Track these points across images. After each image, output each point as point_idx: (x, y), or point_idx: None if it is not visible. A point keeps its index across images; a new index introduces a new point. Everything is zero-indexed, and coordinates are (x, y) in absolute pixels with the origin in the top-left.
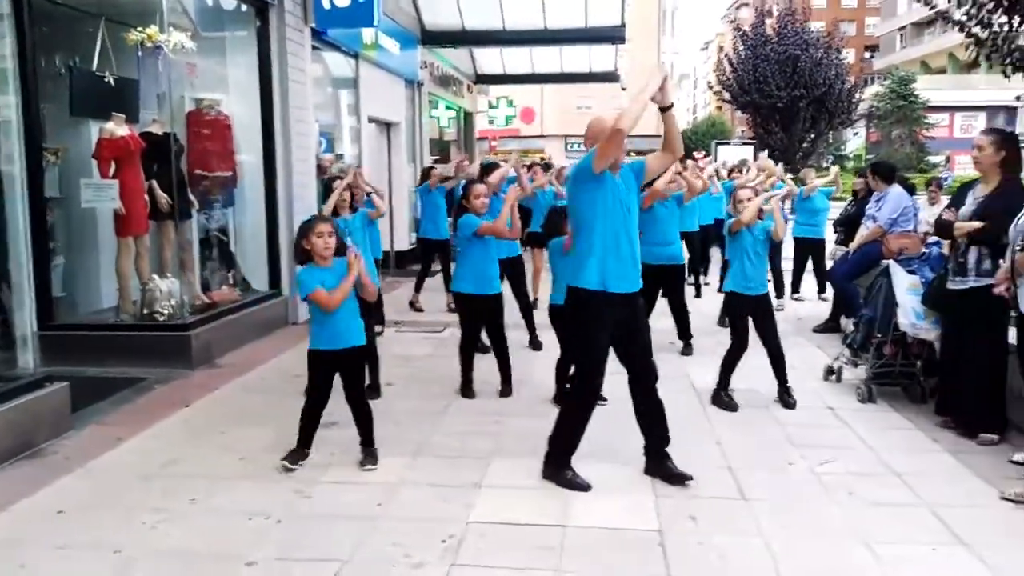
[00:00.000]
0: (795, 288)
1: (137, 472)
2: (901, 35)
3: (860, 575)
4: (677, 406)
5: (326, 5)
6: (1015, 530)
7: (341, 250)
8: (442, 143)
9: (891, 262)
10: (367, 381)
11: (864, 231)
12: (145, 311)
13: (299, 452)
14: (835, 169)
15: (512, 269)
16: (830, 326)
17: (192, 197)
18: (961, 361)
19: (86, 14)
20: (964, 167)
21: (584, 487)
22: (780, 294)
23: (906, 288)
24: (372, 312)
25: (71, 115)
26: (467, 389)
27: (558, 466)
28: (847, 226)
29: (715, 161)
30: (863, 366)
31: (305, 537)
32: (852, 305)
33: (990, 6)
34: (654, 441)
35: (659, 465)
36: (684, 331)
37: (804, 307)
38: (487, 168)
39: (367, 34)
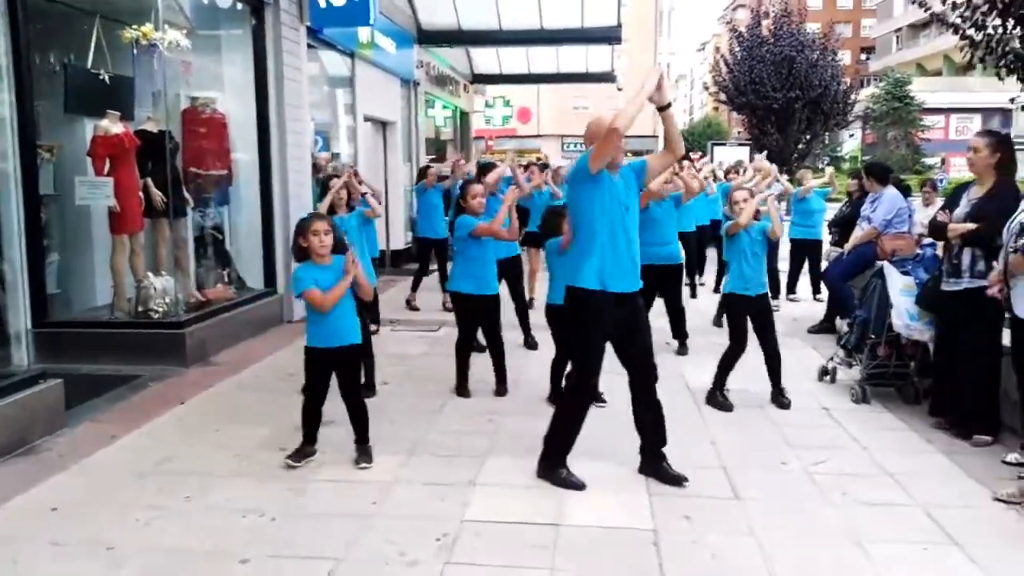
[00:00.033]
0: (791, 289)
1: (131, 469)
2: (897, 37)
3: (853, 575)
4: (672, 406)
5: (322, 4)
6: (1007, 530)
7: (341, 247)
8: (438, 142)
9: (885, 263)
10: (362, 379)
11: (859, 232)
12: (140, 309)
13: (303, 450)
14: (830, 170)
15: (510, 269)
16: (825, 327)
17: (187, 195)
18: (955, 362)
19: (81, 11)
20: (959, 169)
21: (579, 486)
22: (776, 295)
23: (900, 289)
24: (368, 311)
25: (66, 112)
26: (463, 388)
27: (553, 465)
28: (842, 227)
29: (711, 162)
30: (857, 367)
31: (299, 535)
32: (846, 306)
33: (984, 8)
34: (651, 441)
35: (655, 465)
36: (680, 331)
37: (799, 308)
38: (484, 168)
39: (363, 33)
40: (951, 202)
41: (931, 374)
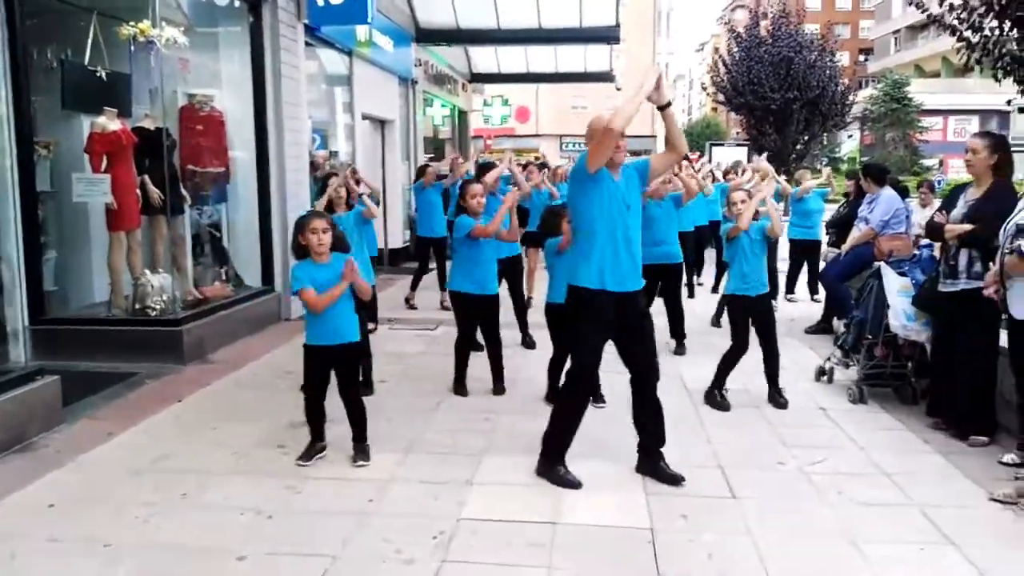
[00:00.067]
0: (789, 289)
1: (128, 467)
2: (895, 39)
3: (848, 574)
4: (669, 405)
5: (320, 1)
6: (1003, 531)
7: (341, 246)
8: (437, 141)
9: (882, 264)
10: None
11: (856, 233)
12: (137, 306)
13: (312, 447)
14: (827, 171)
15: (511, 269)
16: (822, 327)
17: (184, 192)
18: (952, 363)
19: (78, 8)
20: (957, 171)
21: (575, 484)
22: (774, 295)
23: (897, 290)
24: (366, 309)
25: (63, 109)
26: (460, 387)
27: (551, 462)
28: (839, 228)
29: (709, 162)
30: (854, 367)
31: (296, 532)
32: (843, 306)
33: (981, 10)
34: (649, 440)
35: (652, 464)
36: (678, 331)
37: (797, 308)
38: (483, 167)
39: (361, 31)
40: (948, 203)
41: (928, 375)
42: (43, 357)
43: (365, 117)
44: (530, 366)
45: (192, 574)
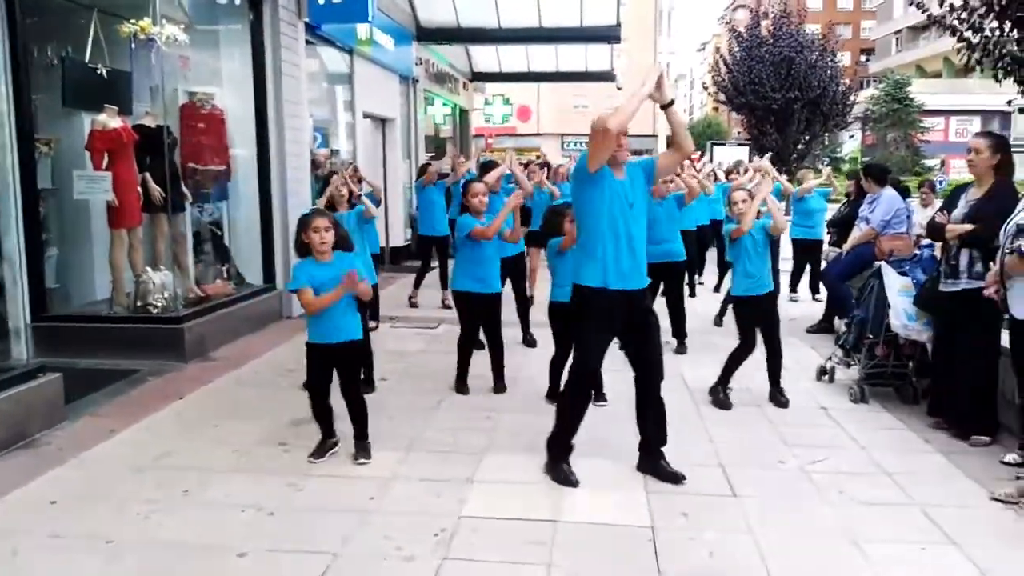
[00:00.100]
0: (793, 288)
1: (130, 464)
2: (897, 39)
3: (849, 573)
4: (670, 404)
5: (320, 0)
6: (1005, 530)
7: (345, 244)
8: (438, 140)
9: (882, 263)
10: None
11: (857, 233)
12: (138, 303)
13: (324, 444)
14: (827, 170)
15: (515, 267)
16: (823, 327)
17: (185, 190)
18: (953, 363)
19: (78, 5)
20: (959, 171)
21: (572, 484)
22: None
23: (897, 289)
24: (366, 307)
25: (63, 106)
26: (462, 385)
27: (556, 460)
28: (840, 227)
29: (711, 162)
30: (855, 367)
31: (297, 530)
32: (845, 306)
33: (982, 11)
34: (651, 439)
35: (653, 463)
36: (679, 330)
37: (798, 307)
38: (486, 166)
39: (362, 29)
40: (950, 203)
41: (929, 374)
42: (45, 354)
43: (366, 116)
44: (531, 364)
45: (193, 571)
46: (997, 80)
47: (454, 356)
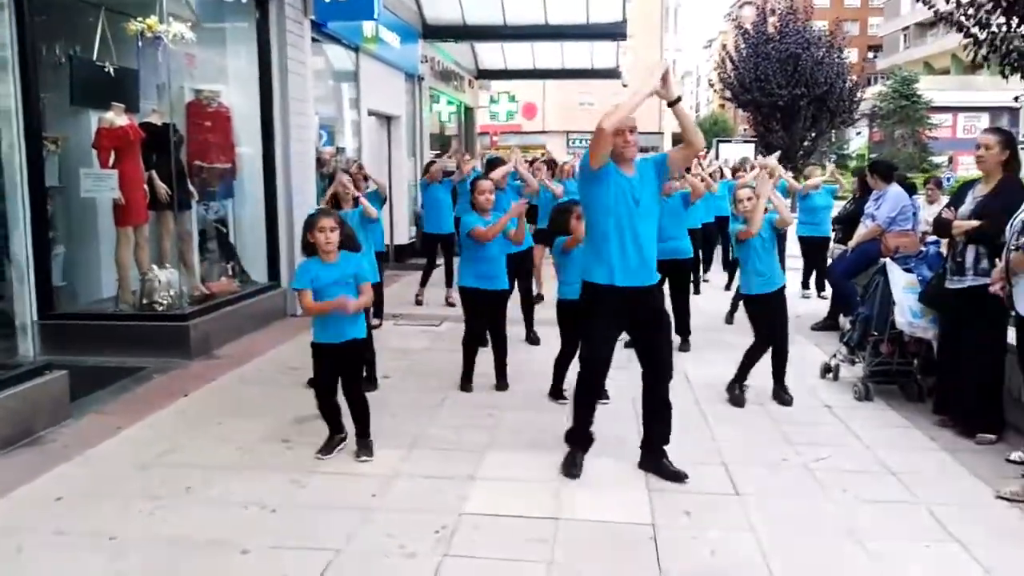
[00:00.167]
0: (804, 285)
1: (135, 461)
2: (904, 35)
3: (853, 572)
4: (673, 402)
5: None
6: (1009, 528)
7: (351, 244)
8: (443, 138)
9: (888, 260)
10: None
11: (863, 229)
12: (144, 301)
13: (332, 441)
14: (831, 167)
15: (521, 265)
16: (828, 324)
17: (191, 188)
18: (959, 360)
19: (86, 3)
20: (967, 168)
21: (572, 476)
22: None
23: (903, 286)
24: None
25: (71, 104)
26: (466, 382)
27: (571, 449)
28: (846, 224)
29: (717, 159)
30: (860, 364)
31: (300, 526)
32: (850, 303)
33: (989, 7)
34: (654, 438)
35: (655, 461)
36: (683, 327)
37: (803, 305)
38: (491, 163)
39: (367, 27)
40: (957, 199)
41: (935, 372)
42: (51, 352)
43: (371, 113)
44: (534, 362)
45: (197, 567)
46: (1004, 76)
47: (458, 354)
